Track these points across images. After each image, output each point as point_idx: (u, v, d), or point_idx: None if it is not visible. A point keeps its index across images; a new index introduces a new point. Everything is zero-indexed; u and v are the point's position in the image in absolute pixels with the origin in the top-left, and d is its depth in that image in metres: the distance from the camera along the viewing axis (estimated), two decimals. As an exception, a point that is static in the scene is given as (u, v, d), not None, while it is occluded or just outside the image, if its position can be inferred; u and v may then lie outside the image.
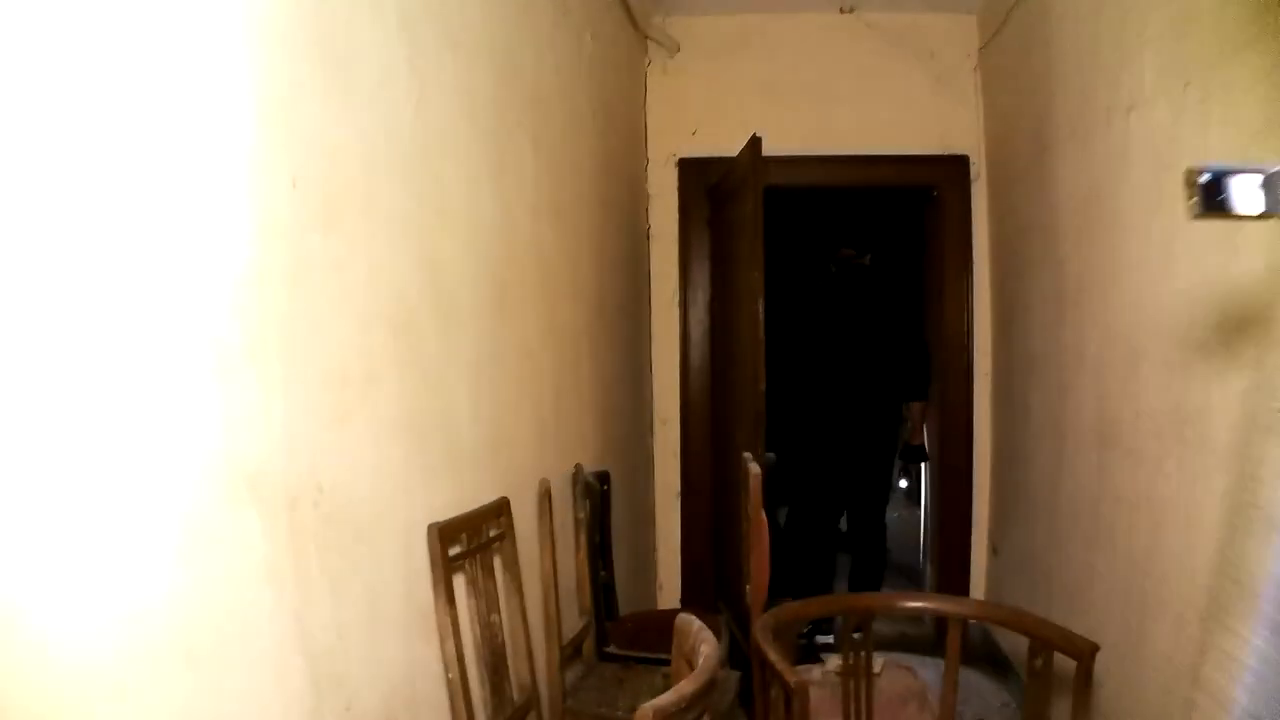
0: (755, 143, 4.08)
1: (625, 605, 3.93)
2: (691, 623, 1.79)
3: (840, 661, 2.43)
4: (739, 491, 3.71)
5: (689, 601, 5.22)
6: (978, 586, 5.19)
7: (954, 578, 5.23)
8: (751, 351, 3.99)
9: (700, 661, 1.64)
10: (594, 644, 3.35)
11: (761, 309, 3.88)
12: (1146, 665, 2.79)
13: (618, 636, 3.51)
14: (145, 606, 1.23)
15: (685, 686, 1.52)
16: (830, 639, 4.47)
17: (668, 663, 3.10)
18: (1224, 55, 2.35)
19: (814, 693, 2.84)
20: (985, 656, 4.60)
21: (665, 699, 1.46)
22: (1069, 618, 3.51)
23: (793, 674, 1.96)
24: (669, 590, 5.30)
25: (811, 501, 5.30)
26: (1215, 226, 2.39)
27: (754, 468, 2.84)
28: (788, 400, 5.04)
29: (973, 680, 4.44)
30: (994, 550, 5.06)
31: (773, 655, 2.00)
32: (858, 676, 2.29)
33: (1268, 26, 2.02)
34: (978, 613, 2.36)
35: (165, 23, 1.31)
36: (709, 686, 1.59)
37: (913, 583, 6.16)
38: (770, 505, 4.69)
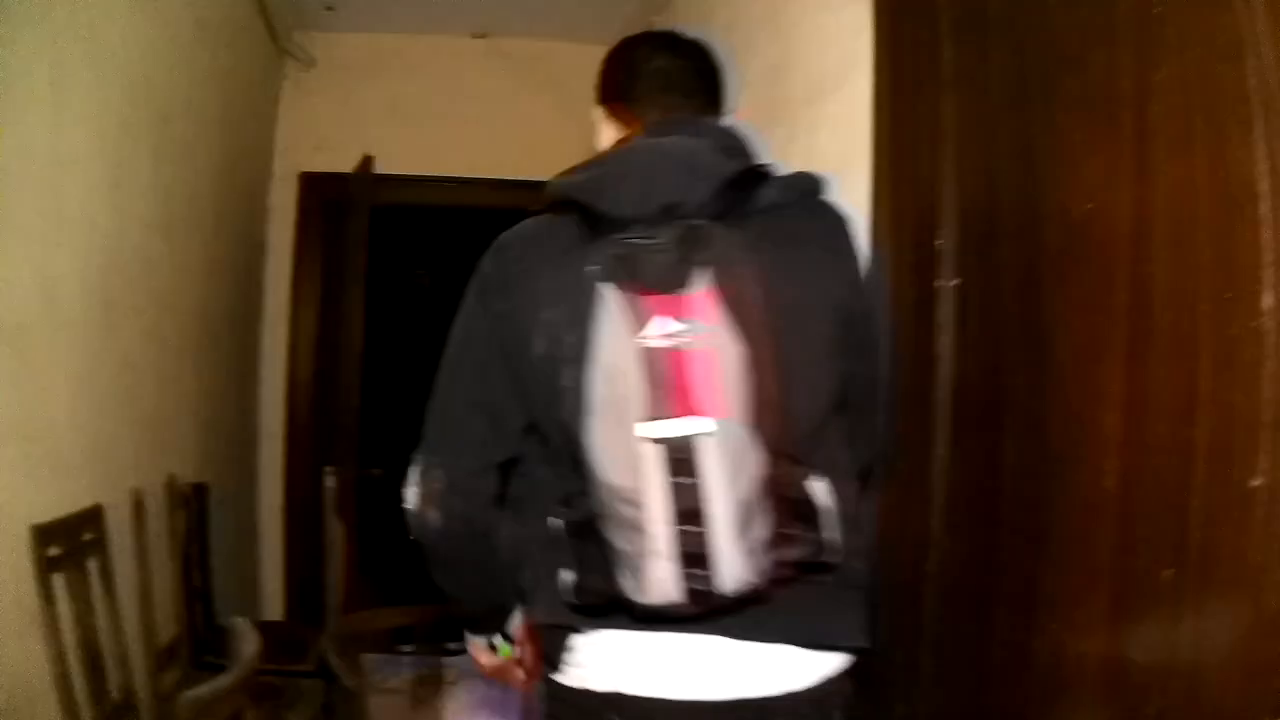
0: (367, 161, 4.14)
1: (230, 617, 3.87)
2: (240, 624, 1.93)
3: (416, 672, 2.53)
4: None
5: (297, 615, 5.09)
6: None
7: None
8: (347, 366, 4.02)
9: (245, 656, 1.77)
10: (190, 652, 3.33)
11: (360, 325, 3.96)
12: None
13: (219, 646, 3.48)
14: None
15: (222, 680, 1.66)
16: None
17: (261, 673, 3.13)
18: (811, 98, 2.55)
19: (385, 700, 2.90)
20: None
21: (201, 690, 1.61)
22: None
23: (352, 679, 2.05)
24: (276, 604, 5.18)
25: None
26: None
27: (329, 481, 2.90)
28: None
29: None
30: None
31: (334, 658, 2.09)
32: (429, 685, 2.38)
33: (853, 70, 2.27)
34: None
35: None
36: (243, 681, 1.73)
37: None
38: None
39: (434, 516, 1.50)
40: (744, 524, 1.24)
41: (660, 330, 1.24)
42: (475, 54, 5.21)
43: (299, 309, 5.15)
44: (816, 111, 2.52)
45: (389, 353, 5.40)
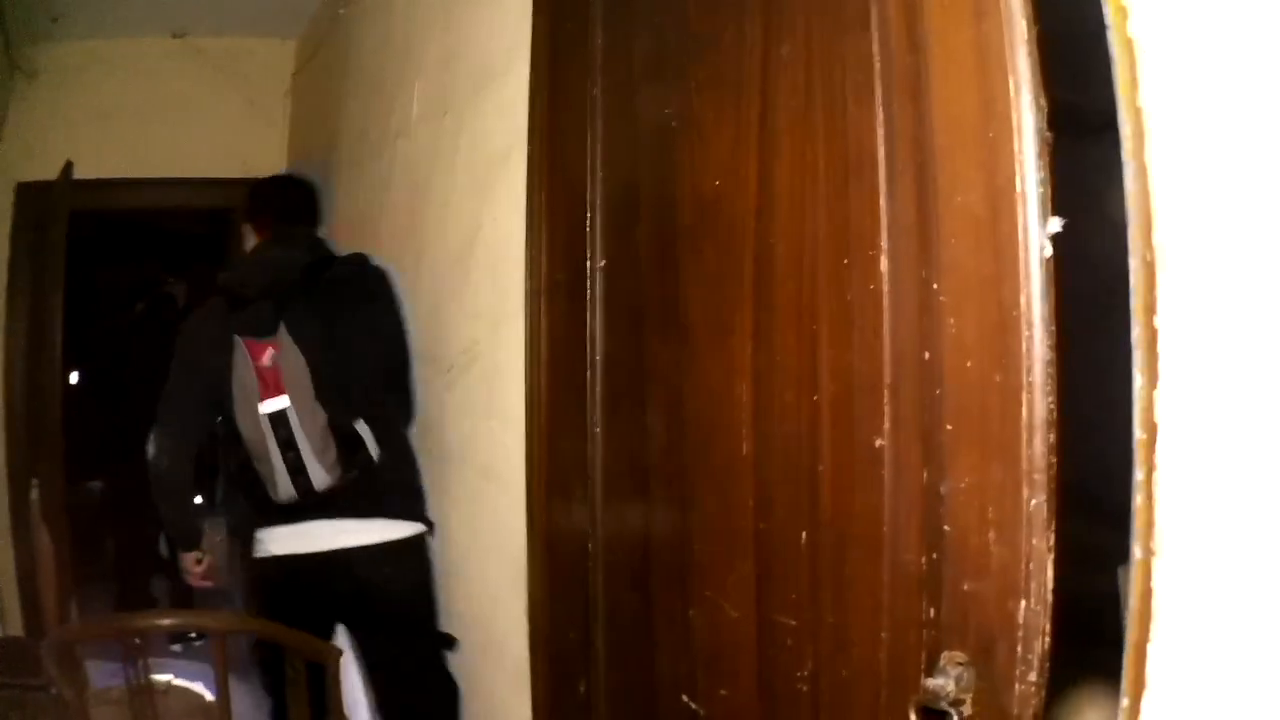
0: (68, 167, 4.07)
1: None
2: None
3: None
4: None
5: (36, 629, 4.81)
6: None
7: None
8: (49, 375, 4.02)
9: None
10: None
11: (59, 333, 3.95)
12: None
13: None
14: None
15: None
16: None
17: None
18: (479, 86, 2.55)
19: (104, 711, 2.75)
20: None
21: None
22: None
23: (70, 690, 1.95)
24: (14, 620, 4.83)
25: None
26: (455, 246, 2.66)
27: (33, 494, 2.86)
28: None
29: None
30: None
31: (53, 670, 1.96)
32: (140, 695, 2.28)
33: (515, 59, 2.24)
34: (233, 626, 2.44)
35: None
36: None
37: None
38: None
39: (162, 460, 2.64)
40: (320, 450, 2.54)
41: (264, 358, 2.55)
42: (174, 55, 5.05)
43: (13, 324, 4.85)
44: (483, 100, 2.52)
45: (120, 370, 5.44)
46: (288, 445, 2.52)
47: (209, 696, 2.90)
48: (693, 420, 1.50)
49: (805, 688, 1.27)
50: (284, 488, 2.54)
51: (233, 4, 4.72)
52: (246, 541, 2.75)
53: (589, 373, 1.79)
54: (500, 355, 2.31)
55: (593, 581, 1.82)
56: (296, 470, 2.52)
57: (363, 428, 2.58)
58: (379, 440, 2.61)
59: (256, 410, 2.52)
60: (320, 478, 2.53)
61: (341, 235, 3.81)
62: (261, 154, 5.11)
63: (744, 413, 1.35)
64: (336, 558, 2.59)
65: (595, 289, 1.78)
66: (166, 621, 2.54)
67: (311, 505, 2.57)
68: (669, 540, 1.58)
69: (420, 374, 2.88)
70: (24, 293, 4.86)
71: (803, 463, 1.24)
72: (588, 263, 1.80)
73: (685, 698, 1.55)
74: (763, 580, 1.35)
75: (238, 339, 2.54)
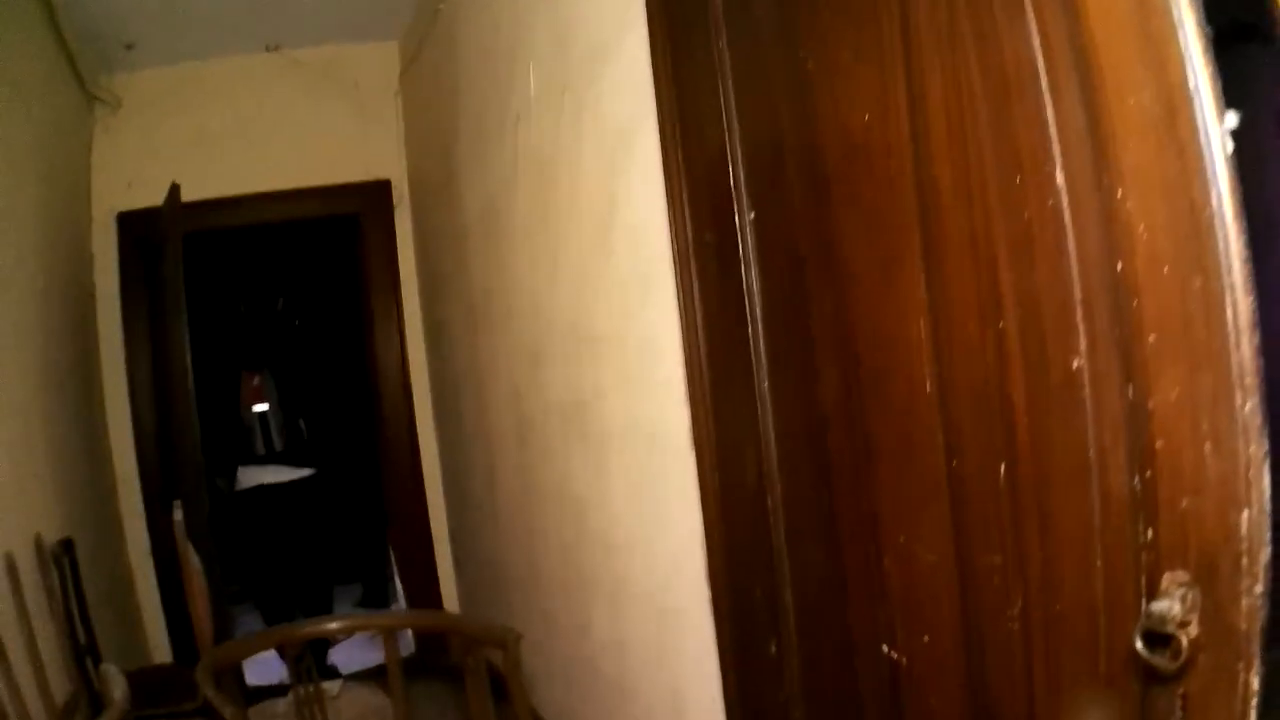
0: (174, 190, 4.03)
1: (121, 664, 3.76)
2: (108, 671, 1.94)
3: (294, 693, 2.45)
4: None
5: (185, 657, 4.94)
6: (450, 599, 5.30)
7: (423, 593, 5.31)
8: (181, 399, 3.90)
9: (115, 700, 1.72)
10: (88, 711, 3.21)
11: (185, 357, 3.83)
12: (594, 644, 3.03)
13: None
14: None
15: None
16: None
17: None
18: (595, 58, 2.53)
19: None
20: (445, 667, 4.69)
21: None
22: (526, 609, 3.72)
23: (229, 708, 1.97)
24: (162, 647, 5.02)
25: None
26: (589, 226, 2.66)
27: (176, 514, 2.78)
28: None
29: (435, 690, 4.51)
30: (458, 563, 5.22)
31: (209, 692, 1.99)
32: (310, 704, 2.30)
33: (629, 26, 2.21)
34: (403, 622, 2.45)
35: None
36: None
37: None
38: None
39: None
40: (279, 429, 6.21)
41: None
42: (270, 68, 5.08)
43: (134, 350, 5.01)
44: (601, 72, 2.51)
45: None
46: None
47: (383, 697, 2.91)
48: (867, 364, 1.46)
49: (1016, 626, 1.23)
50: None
51: (326, 13, 4.72)
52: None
53: (750, 328, 1.76)
54: (652, 324, 2.29)
55: (775, 539, 1.80)
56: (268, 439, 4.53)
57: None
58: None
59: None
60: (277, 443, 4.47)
61: (475, 229, 3.85)
62: (379, 158, 5.20)
63: (922, 350, 1.31)
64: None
65: (747, 244, 1.76)
66: (334, 625, 2.52)
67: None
68: (852, 489, 1.54)
69: (571, 351, 2.88)
70: (142, 321, 5.00)
71: (992, 394, 1.19)
72: (735, 219, 1.77)
73: (885, 648, 1.53)
74: (960, 521, 1.31)
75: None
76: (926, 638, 1.43)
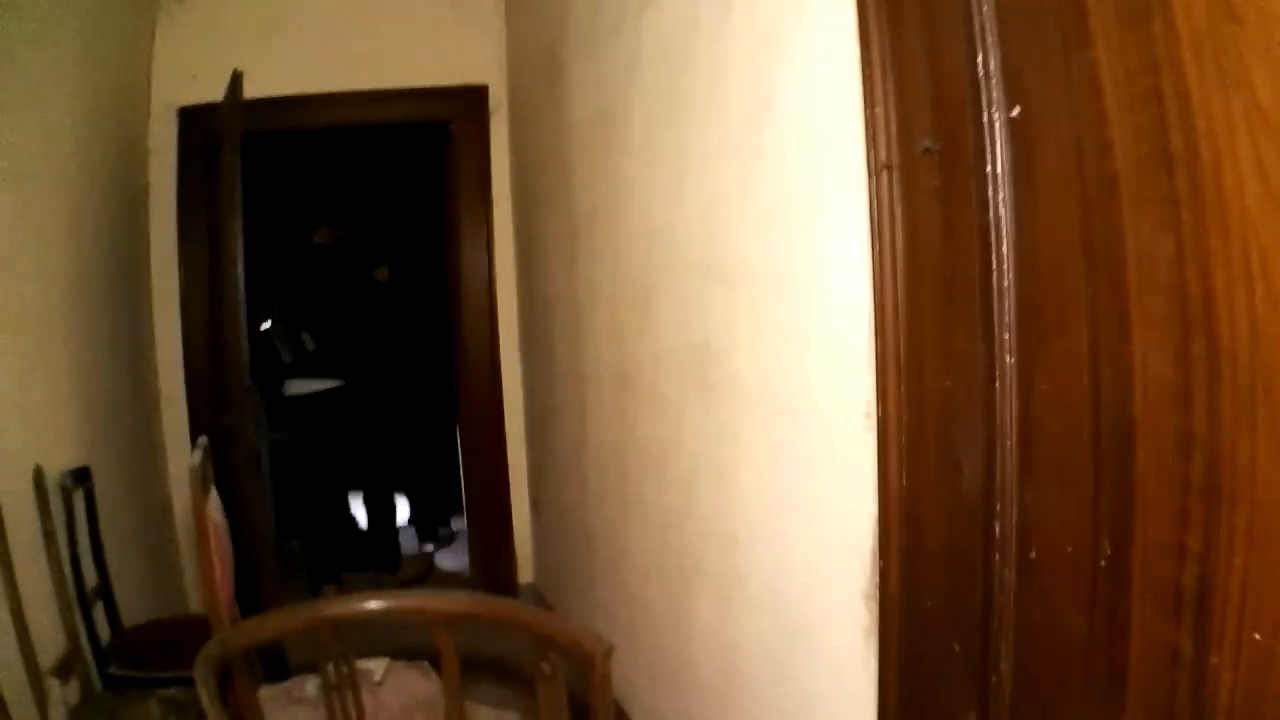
0: (236, 78, 3.56)
1: (147, 612, 3.49)
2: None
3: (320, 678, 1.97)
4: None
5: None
6: (524, 545, 4.93)
7: (494, 538, 4.93)
8: (232, 315, 3.45)
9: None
10: (91, 667, 2.87)
11: (239, 264, 3.39)
12: (695, 640, 2.53)
13: (124, 653, 2.97)
14: None
15: None
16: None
17: (175, 682, 2.58)
18: None
19: (298, 713, 2.38)
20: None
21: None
22: (610, 585, 3.24)
23: (218, 709, 1.47)
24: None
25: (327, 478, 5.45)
26: (734, 130, 2.11)
27: (194, 456, 2.24)
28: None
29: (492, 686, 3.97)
30: (535, 506, 4.79)
31: (205, 696, 1.50)
32: (343, 690, 1.83)
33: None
34: (467, 609, 1.88)
35: None
36: None
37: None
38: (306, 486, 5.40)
39: None
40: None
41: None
42: None
43: (188, 258, 4.56)
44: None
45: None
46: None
47: (436, 682, 2.42)
48: (1228, 348, 0.89)
49: None
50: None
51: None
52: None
53: (994, 277, 1.19)
54: (810, 261, 1.75)
55: (995, 578, 1.25)
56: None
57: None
58: None
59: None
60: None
61: (581, 135, 3.32)
62: (476, 60, 4.74)
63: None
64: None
65: (999, 153, 1.18)
66: (374, 605, 1.97)
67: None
68: (1171, 544, 0.97)
69: (694, 289, 2.35)
70: (199, 224, 4.55)
71: None
72: (984, 114, 1.19)
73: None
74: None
75: None
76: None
